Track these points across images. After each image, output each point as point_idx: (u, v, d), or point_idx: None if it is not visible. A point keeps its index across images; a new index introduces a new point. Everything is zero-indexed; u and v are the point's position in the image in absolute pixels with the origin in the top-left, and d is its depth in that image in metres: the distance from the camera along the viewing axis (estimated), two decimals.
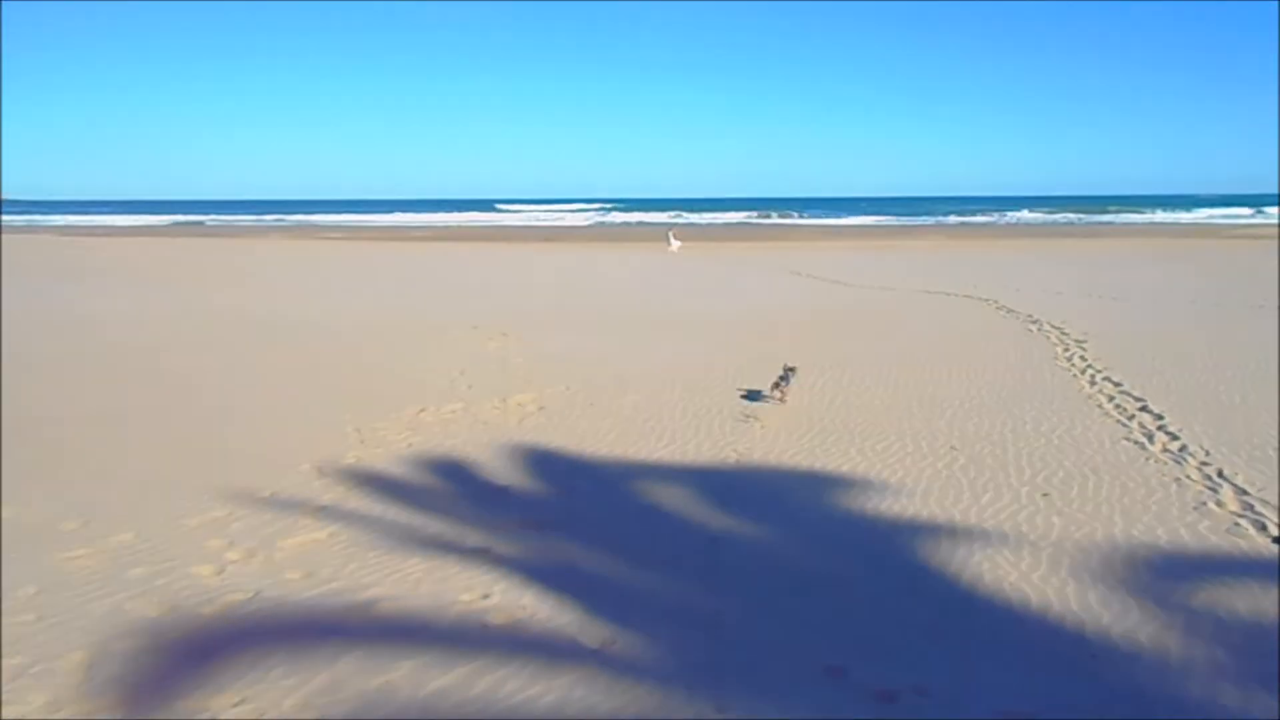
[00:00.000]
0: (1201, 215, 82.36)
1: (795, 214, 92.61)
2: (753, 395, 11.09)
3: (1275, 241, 41.45)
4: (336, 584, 5.82)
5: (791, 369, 10.85)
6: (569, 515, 7.12)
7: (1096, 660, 4.85)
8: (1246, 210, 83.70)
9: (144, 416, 10.19)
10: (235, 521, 6.89)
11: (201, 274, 30.03)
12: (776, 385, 10.77)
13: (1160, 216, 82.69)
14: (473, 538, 6.57)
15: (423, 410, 10.30)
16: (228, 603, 5.52)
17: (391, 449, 8.85)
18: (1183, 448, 8.64)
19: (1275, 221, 68.15)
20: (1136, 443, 8.86)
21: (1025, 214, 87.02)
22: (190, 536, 6.59)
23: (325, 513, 7.10)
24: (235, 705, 4.41)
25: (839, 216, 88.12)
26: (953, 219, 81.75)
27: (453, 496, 7.57)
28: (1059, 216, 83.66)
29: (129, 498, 7.41)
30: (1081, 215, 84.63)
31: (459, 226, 78.13)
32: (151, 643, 5.02)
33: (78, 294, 22.89)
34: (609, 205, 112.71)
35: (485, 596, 5.62)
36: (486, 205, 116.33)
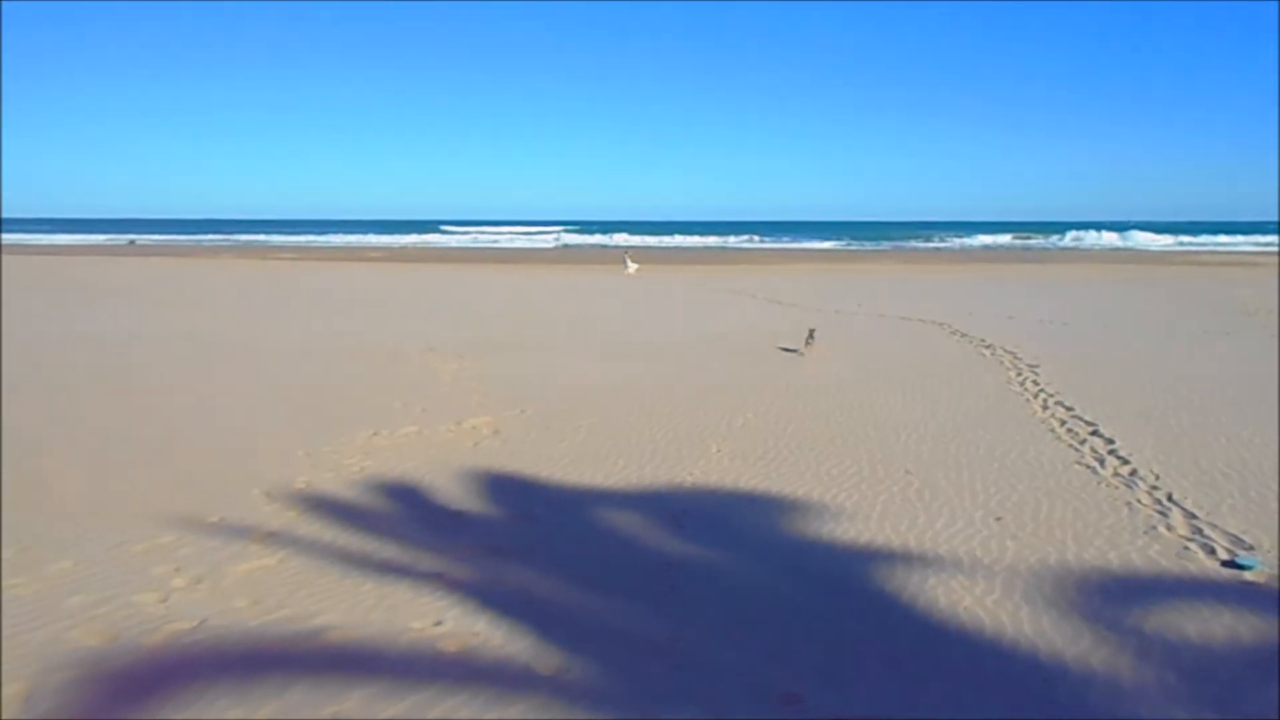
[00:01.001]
0: (1148, 240, 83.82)
1: (756, 237, 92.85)
2: (788, 350, 16.34)
3: (1219, 269, 42.34)
4: (285, 611, 5.71)
5: (813, 330, 16.37)
6: (523, 540, 7.05)
7: (1050, 685, 4.86)
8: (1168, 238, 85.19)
9: (87, 439, 10.00)
10: (181, 548, 6.75)
11: (148, 294, 29.63)
12: (806, 342, 15.98)
13: (1110, 240, 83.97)
14: (425, 563, 6.49)
15: (376, 434, 10.19)
16: (172, 632, 5.40)
17: (343, 473, 8.74)
18: (1133, 472, 8.74)
19: (1204, 249, 69.86)
20: (1088, 467, 8.95)
21: (983, 238, 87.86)
22: (134, 563, 6.45)
23: (274, 538, 6.98)
24: None
25: (798, 240, 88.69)
26: (912, 243, 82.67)
27: (405, 521, 7.48)
28: (1014, 241, 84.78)
29: (70, 523, 7.24)
30: (1040, 239, 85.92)
31: (414, 247, 77.74)
32: (91, 673, 4.90)
33: (18, 315, 22.47)
34: (567, 227, 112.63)
35: (437, 624, 5.54)
36: (430, 226, 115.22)
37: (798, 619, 5.69)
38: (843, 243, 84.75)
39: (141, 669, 4.97)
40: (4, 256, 46.67)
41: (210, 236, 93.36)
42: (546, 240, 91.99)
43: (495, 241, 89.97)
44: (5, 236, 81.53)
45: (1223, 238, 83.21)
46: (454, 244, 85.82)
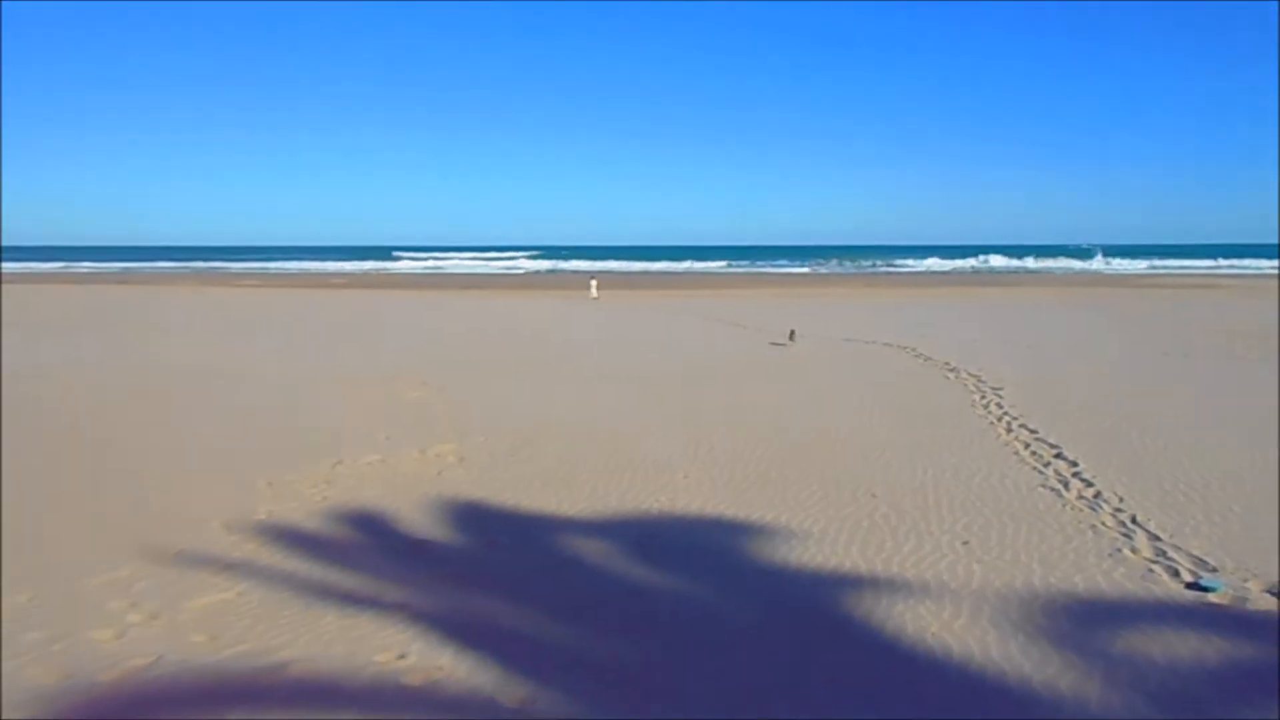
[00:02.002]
0: (1107, 265, 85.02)
1: (727, 262, 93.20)
2: (776, 344, 20.60)
3: (1180, 292, 42.95)
4: (244, 646, 5.60)
5: (793, 330, 21.18)
6: (488, 569, 6.97)
7: (1020, 710, 4.85)
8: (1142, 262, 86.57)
9: (44, 471, 9.82)
10: (139, 581, 6.62)
11: (107, 322, 29.27)
12: (790, 338, 20.67)
13: (1071, 264, 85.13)
14: (389, 594, 6.40)
15: (339, 462, 10.07)
16: (128, 668, 5.28)
17: (305, 503, 8.62)
18: (1097, 494, 8.79)
19: (1166, 272, 70.98)
20: (1053, 489, 8.99)
21: (948, 262, 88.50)
22: (90, 598, 6.31)
23: (234, 570, 6.86)
24: None
25: (765, 264, 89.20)
26: (877, 267, 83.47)
27: (369, 551, 7.38)
28: (979, 264, 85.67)
29: (26, 557, 7.08)
30: (1004, 262, 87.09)
31: (377, 273, 77.65)
32: (46, 712, 4.78)
33: None
34: (529, 253, 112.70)
35: (401, 656, 5.46)
36: (383, 252, 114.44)
37: (766, 646, 5.65)
38: (809, 267, 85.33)
39: (97, 707, 4.85)
40: None
41: (162, 264, 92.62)
42: (508, 266, 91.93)
43: (457, 268, 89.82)
44: None
45: (1174, 261, 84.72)
46: (417, 270, 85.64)
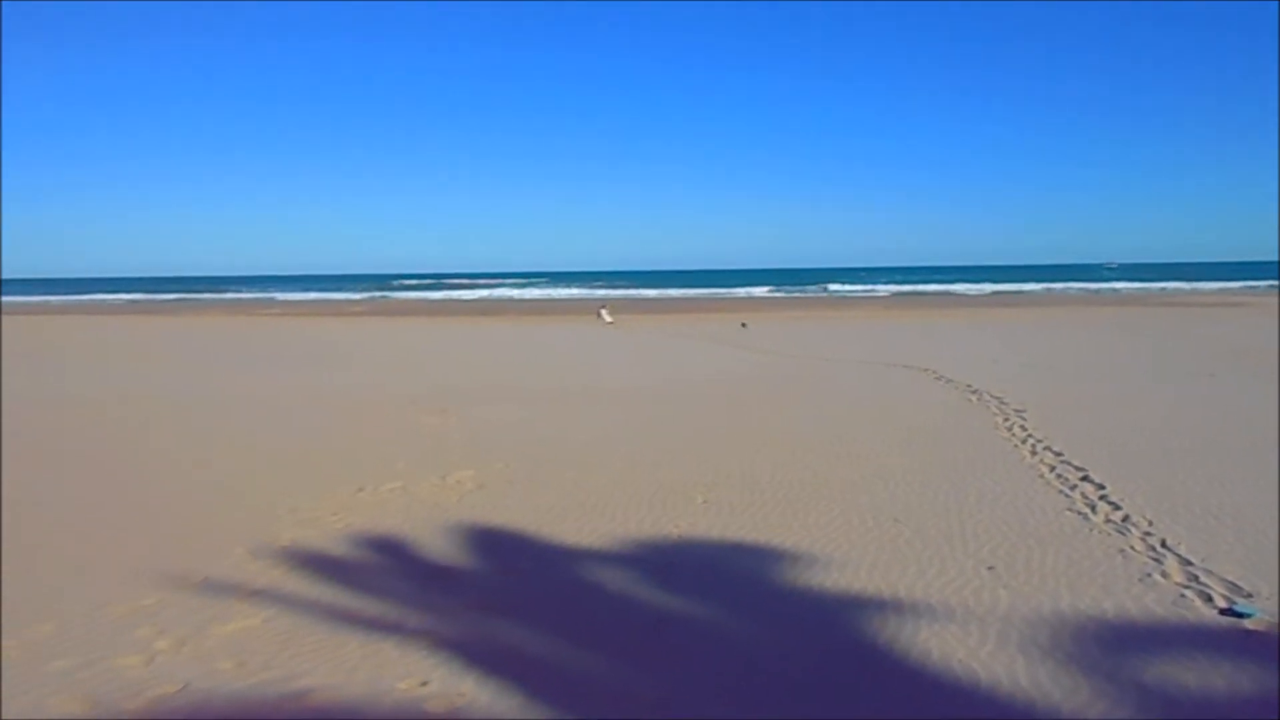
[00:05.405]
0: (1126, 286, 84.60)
1: (769, 288, 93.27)
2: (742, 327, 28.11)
3: (1202, 310, 42.70)
4: (270, 673, 5.59)
5: (744, 323, 32.16)
6: (510, 596, 6.95)
7: None
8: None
9: (68, 499, 9.87)
10: (164, 609, 6.63)
11: (129, 352, 29.47)
12: (742, 326, 32.22)
13: (1084, 285, 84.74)
14: (411, 621, 6.39)
15: (360, 489, 10.08)
16: (155, 696, 5.28)
17: (328, 529, 8.63)
18: (1125, 518, 8.69)
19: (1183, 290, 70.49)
20: (1080, 513, 8.90)
21: (962, 286, 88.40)
22: (116, 626, 6.33)
23: (259, 597, 6.87)
24: None
25: (780, 288, 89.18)
26: (894, 289, 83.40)
27: (391, 578, 7.37)
28: (995, 286, 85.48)
29: (51, 586, 7.12)
30: (1031, 284, 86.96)
31: (395, 299, 78.10)
32: None
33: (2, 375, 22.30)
34: (532, 279, 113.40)
35: (424, 683, 5.44)
36: (384, 280, 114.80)
37: (789, 674, 5.60)
38: (823, 289, 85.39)
39: None
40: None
41: (164, 295, 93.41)
42: (522, 292, 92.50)
43: (471, 294, 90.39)
44: None
45: (1180, 284, 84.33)
46: (432, 297, 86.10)
